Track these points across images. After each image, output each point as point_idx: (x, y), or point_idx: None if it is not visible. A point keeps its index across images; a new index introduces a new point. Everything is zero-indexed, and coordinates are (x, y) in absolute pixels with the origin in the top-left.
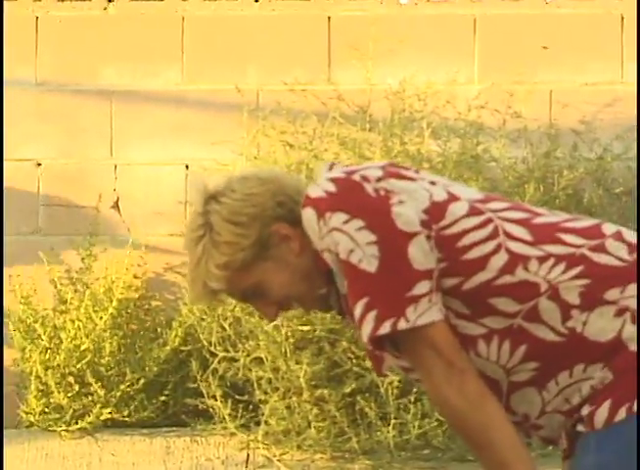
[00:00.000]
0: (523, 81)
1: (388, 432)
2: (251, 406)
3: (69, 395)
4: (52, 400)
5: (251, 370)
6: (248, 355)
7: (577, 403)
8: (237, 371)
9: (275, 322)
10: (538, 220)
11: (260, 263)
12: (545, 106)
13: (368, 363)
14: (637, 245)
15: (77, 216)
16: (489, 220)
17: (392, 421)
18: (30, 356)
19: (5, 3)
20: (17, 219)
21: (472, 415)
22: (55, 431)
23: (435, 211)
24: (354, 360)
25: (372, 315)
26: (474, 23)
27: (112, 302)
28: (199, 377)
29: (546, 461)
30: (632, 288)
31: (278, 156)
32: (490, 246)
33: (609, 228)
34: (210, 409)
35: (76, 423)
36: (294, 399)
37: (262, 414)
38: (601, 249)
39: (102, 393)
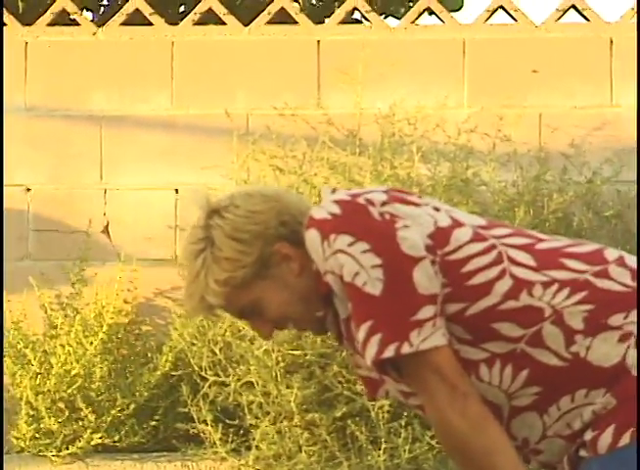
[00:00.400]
0: (512, 105)
1: (379, 456)
2: (241, 431)
3: (60, 420)
4: (42, 426)
5: (241, 395)
6: (238, 380)
7: (579, 428)
8: (227, 396)
9: (265, 347)
10: (541, 246)
11: (260, 282)
12: (535, 129)
13: (359, 387)
14: (637, 269)
15: (67, 241)
16: (493, 246)
17: (383, 445)
18: (21, 382)
19: None
20: (7, 244)
21: (474, 439)
22: (45, 456)
23: (440, 237)
24: (345, 384)
25: (376, 339)
26: (463, 48)
27: (102, 327)
28: (189, 402)
29: None
30: (636, 313)
31: (268, 180)
32: (495, 271)
33: (611, 254)
34: (201, 434)
35: (67, 448)
36: (284, 423)
37: (253, 439)
38: (604, 274)
39: (92, 418)
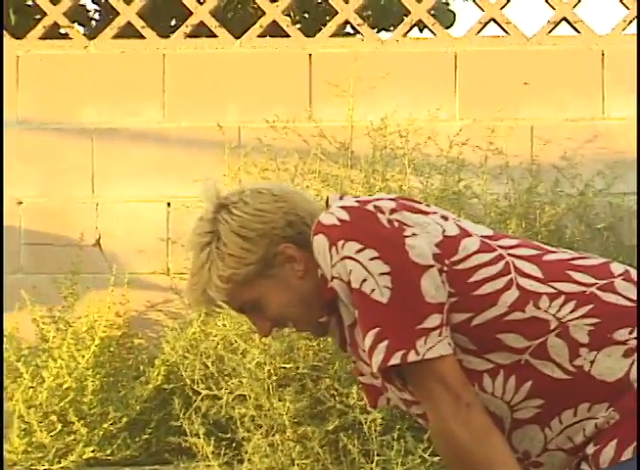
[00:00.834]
0: (504, 118)
1: (372, 469)
2: (234, 444)
3: (52, 433)
4: (34, 439)
5: (233, 408)
6: (230, 393)
7: (581, 442)
8: (220, 409)
9: (257, 360)
10: (548, 257)
11: (262, 281)
12: (527, 142)
13: (351, 401)
14: (637, 280)
15: (59, 255)
16: (500, 257)
17: (376, 458)
18: (13, 395)
19: None
20: None
21: (477, 449)
22: None
23: (448, 246)
24: (337, 397)
25: (383, 346)
26: (455, 60)
27: (94, 340)
28: (181, 415)
29: None
30: None
31: None
32: (502, 282)
33: (617, 268)
34: (193, 447)
35: (59, 462)
36: (277, 436)
37: (245, 452)
38: (610, 288)
39: (84, 431)
